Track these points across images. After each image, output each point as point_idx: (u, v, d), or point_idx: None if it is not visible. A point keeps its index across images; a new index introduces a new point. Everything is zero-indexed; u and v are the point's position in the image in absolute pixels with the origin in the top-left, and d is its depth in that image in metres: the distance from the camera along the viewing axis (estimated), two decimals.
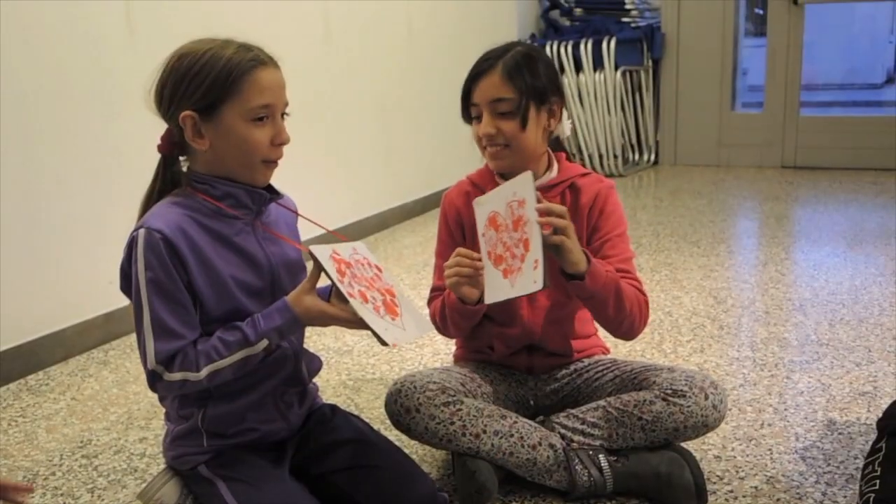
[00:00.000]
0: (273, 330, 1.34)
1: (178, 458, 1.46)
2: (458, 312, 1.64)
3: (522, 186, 1.48)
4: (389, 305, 1.40)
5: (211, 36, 1.37)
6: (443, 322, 1.71)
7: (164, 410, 1.52)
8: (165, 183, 1.40)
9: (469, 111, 1.66)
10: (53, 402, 2.23)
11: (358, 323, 1.33)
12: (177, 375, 1.33)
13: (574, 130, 5.47)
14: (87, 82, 2.53)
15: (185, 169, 1.41)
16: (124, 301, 2.76)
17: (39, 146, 2.41)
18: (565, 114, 1.70)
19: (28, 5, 2.33)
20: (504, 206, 1.52)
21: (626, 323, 1.61)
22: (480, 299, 1.56)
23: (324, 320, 1.36)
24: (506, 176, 1.67)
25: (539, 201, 1.46)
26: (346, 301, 1.32)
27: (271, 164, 1.39)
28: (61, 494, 1.76)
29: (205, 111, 1.32)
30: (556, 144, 1.75)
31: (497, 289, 1.50)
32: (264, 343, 1.35)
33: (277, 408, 1.48)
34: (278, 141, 1.36)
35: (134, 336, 2.66)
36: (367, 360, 2.44)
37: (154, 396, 2.24)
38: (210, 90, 1.30)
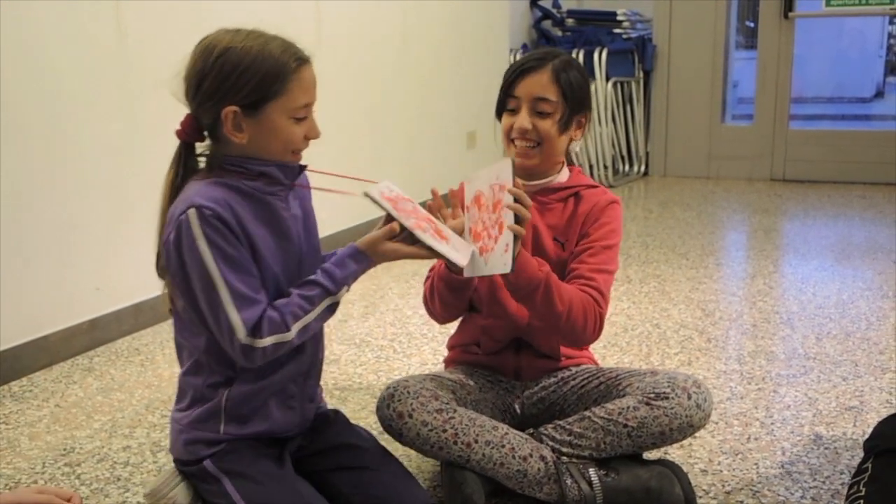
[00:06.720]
0: (350, 275, 1.42)
1: (190, 446, 1.43)
2: (445, 282, 1.68)
3: (504, 171, 1.53)
4: (438, 231, 1.49)
5: (233, 27, 1.40)
6: (431, 299, 1.75)
7: (170, 403, 1.50)
8: (187, 169, 1.41)
9: (505, 103, 1.69)
10: (37, 409, 2.21)
11: (427, 254, 1.45)
12: (268, 340, 1.33)
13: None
14: (77, 84, 2.52)
15: (203, 151, 1.43)
16: (109, 308, 2.79)
17: (27, 150, 2.39)
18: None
19: (17, 7, 2.32)
20: (487, 187, 1.57)
21: (565, 325, 1.59)
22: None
23: (396, 258, 1.46)
24: (522, 177, 1.69)
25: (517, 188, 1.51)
26: (407, 235, 1.43)
27: (298, 153, 1.44)
28: None
29: (249, 107, 1.33)
30: (569, 159, 1.80)
31: (474, 264, 1.55)
32: (345, 289, 1.41)
33: (297, 398, 1.49)
34: (311, 136, 1.43)
35: (119, 343, 2.68)
36: (354, 370, 2.43)
37: (139, 403, 2.25)
38: (258, 88, 1.32)
